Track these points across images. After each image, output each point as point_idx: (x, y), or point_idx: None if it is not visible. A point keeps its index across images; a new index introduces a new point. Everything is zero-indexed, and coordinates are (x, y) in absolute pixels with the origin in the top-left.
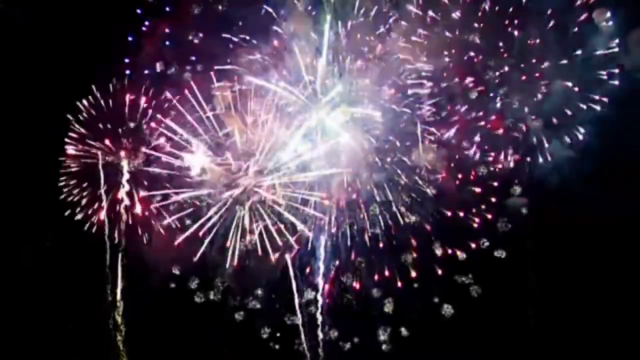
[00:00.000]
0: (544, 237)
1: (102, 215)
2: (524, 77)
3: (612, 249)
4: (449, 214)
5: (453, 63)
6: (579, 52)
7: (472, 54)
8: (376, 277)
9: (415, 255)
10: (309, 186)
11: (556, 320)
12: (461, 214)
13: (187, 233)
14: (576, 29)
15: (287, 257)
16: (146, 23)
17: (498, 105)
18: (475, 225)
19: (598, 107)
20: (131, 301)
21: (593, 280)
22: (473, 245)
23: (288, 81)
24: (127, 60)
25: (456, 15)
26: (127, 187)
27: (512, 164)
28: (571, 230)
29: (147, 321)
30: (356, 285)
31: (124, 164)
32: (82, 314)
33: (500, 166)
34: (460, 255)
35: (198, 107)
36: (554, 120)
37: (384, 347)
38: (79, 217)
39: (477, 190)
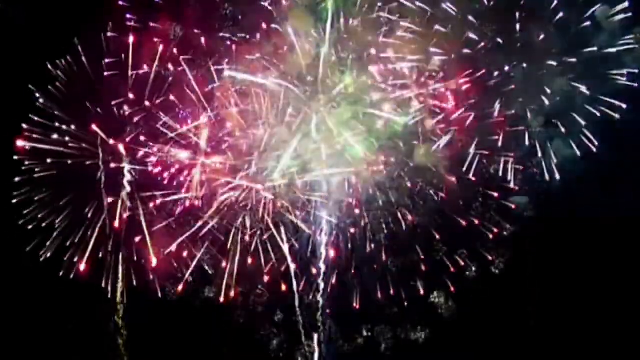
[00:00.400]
0: (544, 237)
1: (83, 265)
2: (528, 77)
3: (613, 249)
4: (454, 216)
5: (455, 61)
6: (594, 48)
7: (472, 51)
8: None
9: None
10: (309, 186)
11: (556, 320)
12: (463, 216)
13: (187, 234)
14: (587, 24)
15: (288, 257)
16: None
17: (501, 105)
18: (477, 226)
19: (617, 115)
20: (131, 302)
21: (593, 280)
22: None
23: (289, 79)
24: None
25: (456, 10)
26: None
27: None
28: (572, 230)
29: (148, 322)
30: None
31: (126, 164)
32: (82, 315)
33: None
34: (464, 258)
35: (198, 104)
36: (562, 128)
37: (383, 347)
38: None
39: (480, 192)
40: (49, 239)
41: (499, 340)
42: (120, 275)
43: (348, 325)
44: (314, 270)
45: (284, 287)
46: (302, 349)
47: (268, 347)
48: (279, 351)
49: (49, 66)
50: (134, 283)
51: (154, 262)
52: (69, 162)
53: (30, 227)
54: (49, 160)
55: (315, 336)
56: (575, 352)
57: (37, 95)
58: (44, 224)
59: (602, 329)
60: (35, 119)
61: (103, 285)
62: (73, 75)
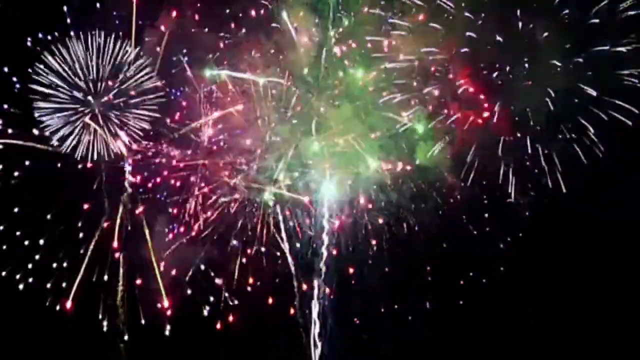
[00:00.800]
0: (545, 237)
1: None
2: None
3: (612, 250)
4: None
5: (457, 60)
6: (605, 47)
7: (474, 50)
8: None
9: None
10: (311, 186)
11: (556, 320)
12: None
13: (188, 236)
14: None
15: (289, 257)
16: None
17: (503, 105)
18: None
19: (629, 122)
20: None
21: (594, 281)
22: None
23: (290, 78)
24: None
25: (457, 8)
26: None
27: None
28: (572, 231)
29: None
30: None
31: (127, 165)
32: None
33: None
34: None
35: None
36: (564, 128)
37: (384, 347)
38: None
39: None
40: (29, 262)
41: (499, 340)
42: (119, 303)
43: (349, 325)
44: (315, 271)
45: (284, 288)
46: (302, 349)
47: (268, 347)
48: (280, 351)
49: (29, 42)
50: (142, 320)
51: (165, 302)
52: (58, 164)
53: (4, 247)
54: (27, 163)
55: (316, 336)
56: (575, 352)
57: (14, 79)
58: (26, 242)
59: (602, 329)
60: (11, 110)
61: (99, 316)
62: (60, 56)
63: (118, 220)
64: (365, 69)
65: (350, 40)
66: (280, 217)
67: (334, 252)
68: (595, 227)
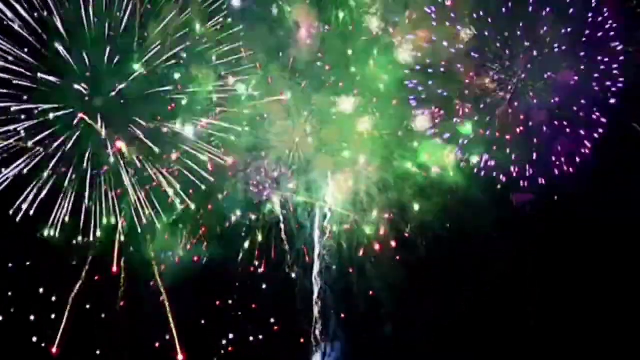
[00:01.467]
0: (545, 237)
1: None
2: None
3: (612, 250)
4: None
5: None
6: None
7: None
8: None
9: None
10: (311, 184)
11: (556, 320)
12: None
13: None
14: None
15: (289, 257)
16: None
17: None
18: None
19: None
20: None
21: (593, 281)
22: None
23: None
24: None
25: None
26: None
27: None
28: (572, 231)
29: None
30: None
31: (129, 170)
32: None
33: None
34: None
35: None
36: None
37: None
38: None
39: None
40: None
41: (499, 340)
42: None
43: (350, 324)
44: (316, 270)
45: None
46: (303, 348)
47: (269, 347)
48: (281, 352)
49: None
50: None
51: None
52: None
53: None
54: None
55: (318, 335)
56: (575, 351)
57: None
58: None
59: (602, 328)
60: None
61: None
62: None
63: (118, 231)
64: (368, 67)
65: (352, 36)
66: (281, 217)
67: (335, 252)
68: (596, 227)
